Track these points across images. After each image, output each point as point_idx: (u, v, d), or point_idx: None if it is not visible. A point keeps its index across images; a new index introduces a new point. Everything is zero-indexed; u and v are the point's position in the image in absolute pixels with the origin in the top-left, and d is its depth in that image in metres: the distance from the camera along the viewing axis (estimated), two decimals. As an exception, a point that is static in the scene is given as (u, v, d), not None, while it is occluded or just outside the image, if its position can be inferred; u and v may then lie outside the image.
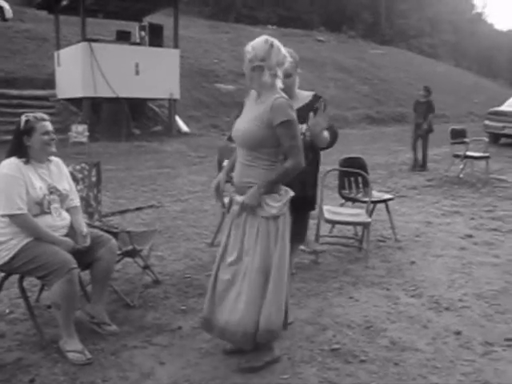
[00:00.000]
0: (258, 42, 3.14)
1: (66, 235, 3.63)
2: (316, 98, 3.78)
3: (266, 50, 3.09)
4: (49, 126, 3.65)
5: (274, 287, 3.17)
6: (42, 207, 3.52)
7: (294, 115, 3.12)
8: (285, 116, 3.05)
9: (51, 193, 3.60)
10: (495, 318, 4.16)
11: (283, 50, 3.16)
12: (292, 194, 3.23)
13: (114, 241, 3.79)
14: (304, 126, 3.54)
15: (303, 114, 3.49)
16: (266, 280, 3.16)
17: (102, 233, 3.88)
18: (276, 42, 3.14)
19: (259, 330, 3.18)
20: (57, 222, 3.59)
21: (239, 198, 3.21)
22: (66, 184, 3.77)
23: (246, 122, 3.19)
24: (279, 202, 3.14)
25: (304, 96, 3.79)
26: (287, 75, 3.44)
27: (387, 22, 45.88)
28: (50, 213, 3.57)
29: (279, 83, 3.18)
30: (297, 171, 3.16)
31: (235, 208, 3.26)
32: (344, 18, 42.84)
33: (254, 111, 3.18)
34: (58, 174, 3.75)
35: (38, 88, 16.30)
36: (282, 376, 3.27)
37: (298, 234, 3.73)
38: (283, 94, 3.15)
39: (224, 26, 30.76)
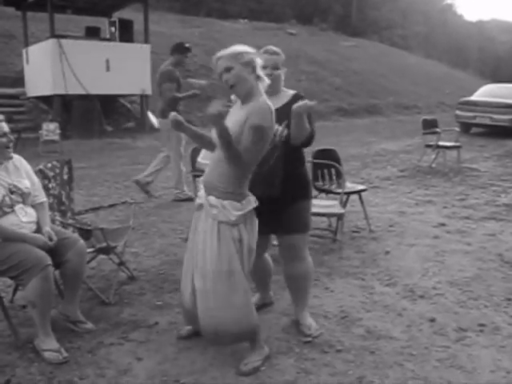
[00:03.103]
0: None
1: (36, 232, 3.55)
2: (296, 97, 3.54)
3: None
4: (5, 126, 3.49)
5: (233, 291, 3.13)
6: (1, 209, 3.42)
7: (270, 123, 3.08)
8: (258, 120, 3.00)
9: (12, 192, 3.50)
10: (468, 305, 4.23)
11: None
12: (254, 205, 3.17)
13: (81, 242, 3.69)
14: (279, 128, 3.38)
15: (280, 115, 3.33)
16: (228, 283, 3.12)
17: (68, 234, 3.78)
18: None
19: (238, 331, 3.20)
20: (22, 219, 3.50)
21: (202, 192, 3.22)
22: (26, 181, 3.64)
23: (230, 123, 3.08)
24: (239, 212, 3.08)
25: (286, 95, 3.61)
26: (275, 67, 3.53)
27: (359, 14, 45.86)
28: (13, 212, 3.47)
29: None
30: (231, 163, 3.02)
31: (198, 201, 3.27)
32: (315, 11, 42.84)
33: (237, 115, 3.14)
34: (17, 171, 3.61)
35: (7, 86, 16.01)
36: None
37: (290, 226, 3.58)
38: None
39: (195, 20, 30.53)
